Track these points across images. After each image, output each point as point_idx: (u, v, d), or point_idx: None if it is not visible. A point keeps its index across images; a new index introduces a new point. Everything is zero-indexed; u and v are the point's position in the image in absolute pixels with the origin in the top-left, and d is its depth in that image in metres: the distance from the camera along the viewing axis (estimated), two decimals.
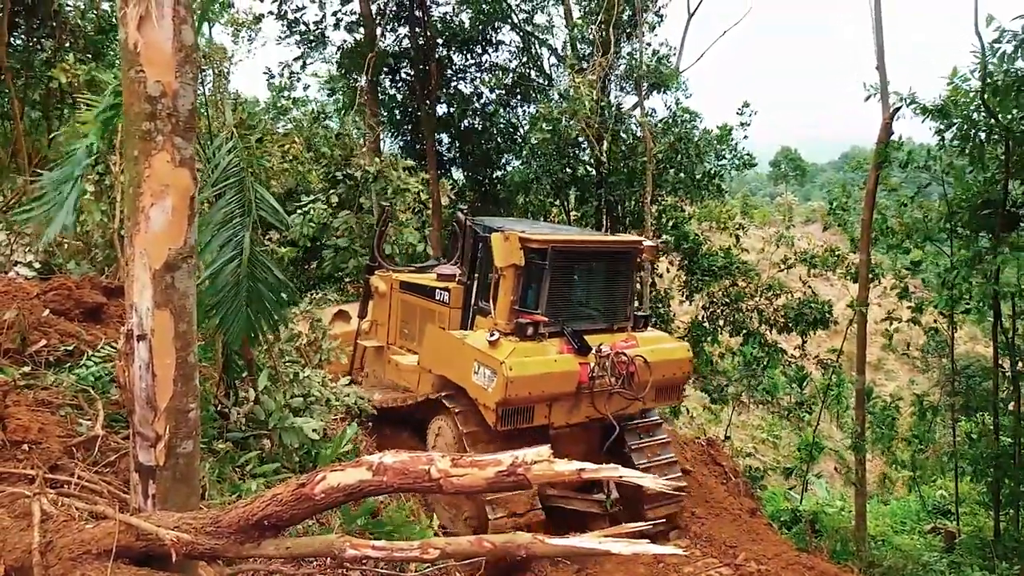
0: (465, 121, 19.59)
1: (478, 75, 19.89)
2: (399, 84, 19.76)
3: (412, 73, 19.25)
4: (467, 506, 8.01)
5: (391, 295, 10.37)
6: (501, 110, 19.92)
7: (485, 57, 19.76)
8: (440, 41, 19.25)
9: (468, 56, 19.63)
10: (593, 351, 8.11)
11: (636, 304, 9.27)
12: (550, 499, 8.09)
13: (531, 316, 8.02)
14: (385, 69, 18.73)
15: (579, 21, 17.56)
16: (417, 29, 18.53)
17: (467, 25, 19.08)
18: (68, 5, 12.98)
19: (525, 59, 19.74)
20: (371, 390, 9.69)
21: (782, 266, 17.28)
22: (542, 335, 8.05)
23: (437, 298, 9.45)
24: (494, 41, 19.65)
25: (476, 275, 8.82)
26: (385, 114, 19.26)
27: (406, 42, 19.15)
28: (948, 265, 11.67)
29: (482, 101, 20.04)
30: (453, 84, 19.79)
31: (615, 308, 8.91)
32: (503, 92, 19.71)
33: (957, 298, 11.44)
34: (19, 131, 11.77)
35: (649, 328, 9.25)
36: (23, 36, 13.24)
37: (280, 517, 3.13)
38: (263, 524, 3.12)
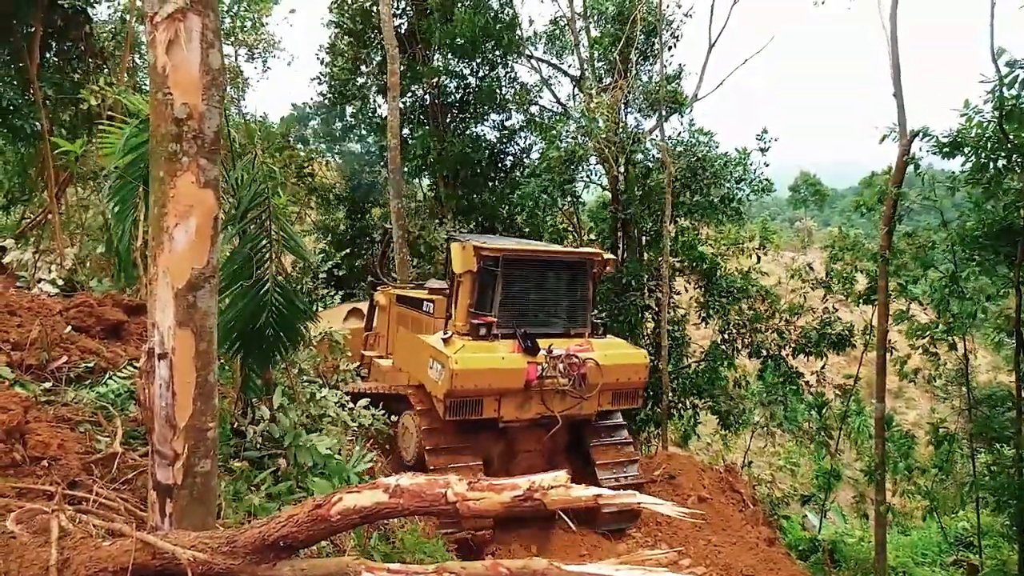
0: (481, 157, 19.90)
1: (490, 114, 20.24)
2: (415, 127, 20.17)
3: (426, 123, 19.85)
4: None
5: (390, 308, 11.15)
6: (516, 136, 20.20)
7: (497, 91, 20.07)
8: (453, 88, 19.99)
9: (480, 101, 19.89)
10: (543, 352, 8.58)
11: (595, 311, 9.87)
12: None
13: (483, 318, 8.61)
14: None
15: (596, 41, 17.61)
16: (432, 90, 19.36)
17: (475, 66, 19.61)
18: (102, 31, 13.28)
19: (539, 90, 19.94)
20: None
21: (799, 291, 17.04)
22: (495, 335, 8.62)
23: (424, 309, 10.07)
24: (509, 77, 19.97)
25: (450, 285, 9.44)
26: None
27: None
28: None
29: (499, 134, 20.42)
30: (468, 126, 20.26)
31: (572, 314, 9.43)
32: (519, 122, 20.00)
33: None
34: (47, 152, 11.94)
35: (608, 336, 9.74)
36: (54, 58, 13.47)
37: (296, 538, 3.12)
38: (279, 545, 3.12)
